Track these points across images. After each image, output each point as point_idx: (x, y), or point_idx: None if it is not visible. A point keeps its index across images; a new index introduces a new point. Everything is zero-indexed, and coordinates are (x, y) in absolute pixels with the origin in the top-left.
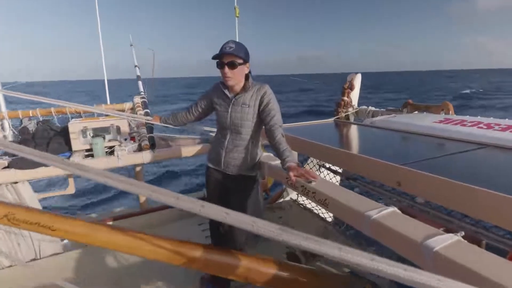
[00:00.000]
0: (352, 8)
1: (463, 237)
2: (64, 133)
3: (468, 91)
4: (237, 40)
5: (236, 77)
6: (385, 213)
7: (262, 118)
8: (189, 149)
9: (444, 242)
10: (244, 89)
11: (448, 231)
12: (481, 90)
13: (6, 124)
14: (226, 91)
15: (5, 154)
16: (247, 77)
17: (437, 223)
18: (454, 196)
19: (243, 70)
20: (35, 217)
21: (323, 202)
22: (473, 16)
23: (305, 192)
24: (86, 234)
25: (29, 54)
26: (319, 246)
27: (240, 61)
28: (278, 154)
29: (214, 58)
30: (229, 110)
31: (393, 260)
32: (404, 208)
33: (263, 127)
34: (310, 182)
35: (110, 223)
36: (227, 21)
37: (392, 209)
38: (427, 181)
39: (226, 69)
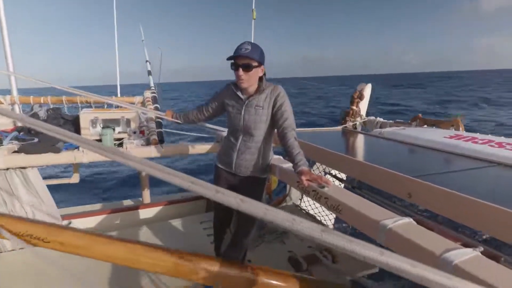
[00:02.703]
0: (358, 10)
1: (481, 252)
2: (74, 122)
3: None
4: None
5: (250, 80)
6: (401, 223)
7: (275, 121)
8: (197, 146)
9: (463, 256)
10: (258, 91)
11: (464, 246)
12: None
13: (17, 109)
14: (239, 93)
15: (16, 138)
16: (260, 78)
17: (452, 237)
18: (468, 211)
19: (258, 73)
20: (27, 229)
21: (336, 208)
22: (482, 15)
23: (317, 197)
24: (82, 246)
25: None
26: (360, 248)
27: (255, 63)
28: (291, 157)
29: (229, 59)
30: (242, 112)
31: None
32: (418, 220)
33: (276, 129)
34: (323, 187)
35: (113, 215)
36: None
37: (408, 219)
38: (440, 195)
39: (241, 71)
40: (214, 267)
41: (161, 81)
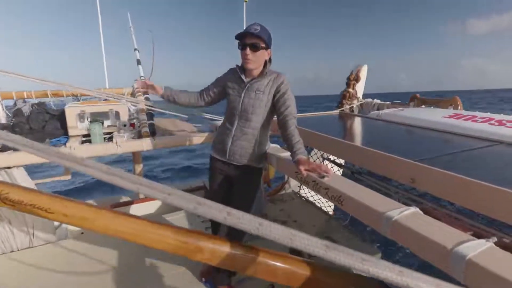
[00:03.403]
0: (344, 28)
1: (495, 243)
2: (60, 117)
3: None
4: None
5: (256, 61)
6: (407, 214)
7: (276, 108)
8: (191, 138)
9: (476, 249)
10: (261, 75)
11: (475, 235)
12: None
13: None
14: (242, 76)
15: None
16: (265, 64)
17: (460, 226)
18: (477, 196)
19: (264, 55)
20: (31, 198)
21: (337, 199)
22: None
23: (317, 188)
24: (86, 218)
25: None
26: (374, 268)
27: (263, 45)
28: (289, 145)
29: (237, 37)
30: (242, 95)
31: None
32: (425, 208)
33: (274, 117)
34: (323, 177)
35: None
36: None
37: (413, 209)
38: (445, 179)
39: (248, 50)
40: (221, 247)
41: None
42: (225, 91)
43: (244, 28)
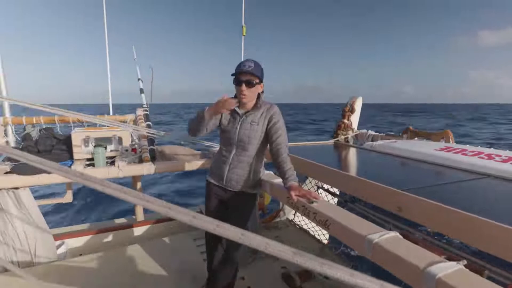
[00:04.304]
0: (353, 36)
1: (465, 266)
2: (66, 141)
3: None
4: (243, 59)
5: (251, 96)
6: (387, 238)
7: (268, 137)
8: (189, 163)
9: (446, 270)
10: (255, 107)
11: (449, 259)
12: None
13: (10, 130)
14: (237, 108)
15: (8, 159)
16: (258, 95)
17: (437, 250)
18: (456, 224)
19: (258, 89)
20: None
21: (324, 223)
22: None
23: (306, 212)
24: None
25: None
26: (331, 270)
27: (257, 80)
28: (281, 172)
29: (233, 75)
30: (238, 127)
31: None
32: (404, 234)
33: (268, 146)
34: (312, 202)
35: (106, 233)
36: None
37: (393, 233)
38: (429, 208)
39: (244, 86)
40: None
41: (161, 102)
42: (220, 121)
43: (242, 58)
